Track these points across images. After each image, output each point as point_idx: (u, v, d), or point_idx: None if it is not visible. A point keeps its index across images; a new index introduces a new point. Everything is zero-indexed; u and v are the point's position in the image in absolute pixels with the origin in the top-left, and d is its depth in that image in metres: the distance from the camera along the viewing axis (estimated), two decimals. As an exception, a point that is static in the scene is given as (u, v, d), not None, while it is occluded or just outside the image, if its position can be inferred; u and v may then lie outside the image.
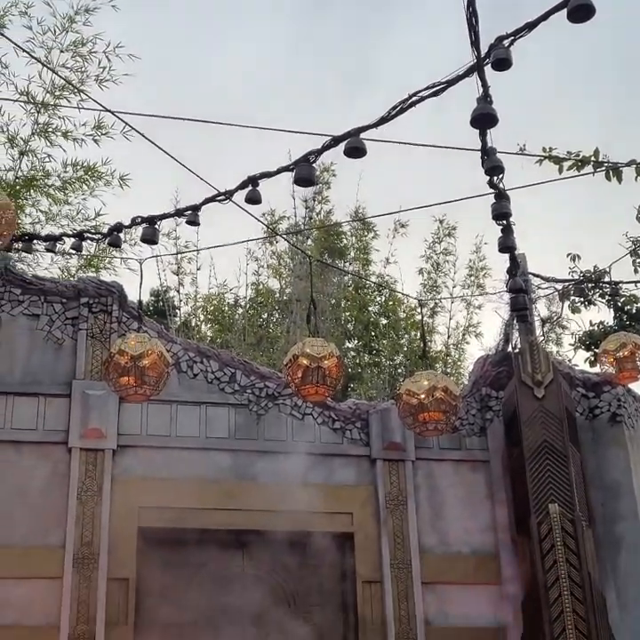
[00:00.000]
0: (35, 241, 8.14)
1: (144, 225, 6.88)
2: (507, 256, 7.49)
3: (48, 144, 12.10)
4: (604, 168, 7.57)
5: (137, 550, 8.76)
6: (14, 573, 8.34)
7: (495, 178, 5.79)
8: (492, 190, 5.92)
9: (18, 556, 8.39)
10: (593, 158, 7.76)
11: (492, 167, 5.64)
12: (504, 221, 6.08)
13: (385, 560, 9.20)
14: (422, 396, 7.61)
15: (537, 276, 10.34)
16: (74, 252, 7.85)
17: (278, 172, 6.08)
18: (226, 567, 9.24)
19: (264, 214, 16.75)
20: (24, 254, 9.95)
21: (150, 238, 6.89)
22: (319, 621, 9.26)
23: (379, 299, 18.74)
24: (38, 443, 8.84)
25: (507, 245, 6.21)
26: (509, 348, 10.39)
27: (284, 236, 15.79)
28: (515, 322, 10.12)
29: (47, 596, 8.35)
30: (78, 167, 12.41)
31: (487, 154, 5.61)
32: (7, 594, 8.29)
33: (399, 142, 6.46)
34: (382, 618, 9.01)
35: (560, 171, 7.99)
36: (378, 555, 9.24)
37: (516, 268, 7.32)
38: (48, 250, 7.90)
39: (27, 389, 9.01)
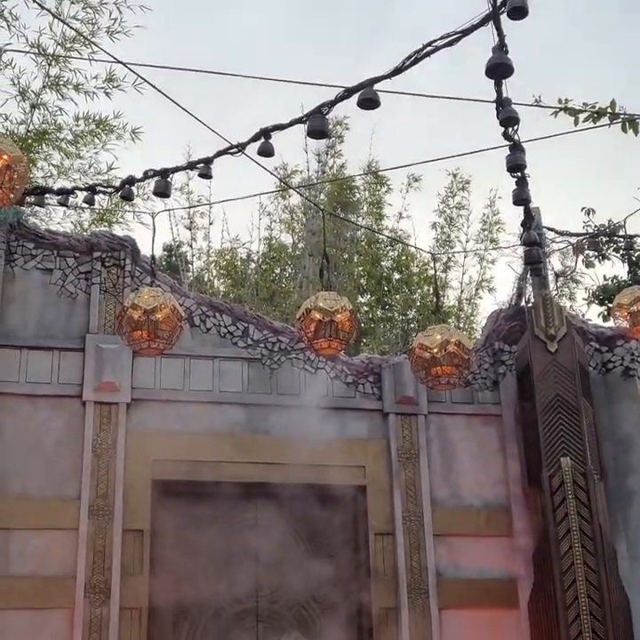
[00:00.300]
0: (47, 195, 8.12)
1: (156, 178, 6.85)
2: (521, 210, 7.41)
3: (59, 97, 12.03)
4: (620, 120, 7.48)
5: (151, 502, 8.85)
6: (31, 524, 8.45)
7: (510, 129, 5.73)
8: (507, 142, 5.86)
9: (34, 508, 8.49)
10: (609, 110, 7.66)
11: (507, 118, 5.57)
12: (519, 173, 6.02)
13: (397, 512, 9.27)
14: (435, 350, 7.60)
15: (551, 229, 10.29)
16: (86, 205, 7.82)
17: (291, 124, 6.03)
18: (239, 519, 9.32)
19: (276, 168, 16.66)
20: (37, 208, 9.94)
21: (163, 191, 6.85)
22: (331, 573, 9.35)
23: (392, 253, 18.69)
24: (53, 396, 8.90)
25: (521, 198, 6.15)
26: (523, 303, 10.38)
27: (297, 189, 15.71)
28: (528, 276, 10.09)
29: (63, 546, 8.47)
30: (90, 120, 12.34)
31: (502, 104, 5.54)
32: (24, 544, 8.41)
33: (413, 94, 6.40)
34: (394, 569, 9.10)
35: (576, 123, 7.90)
36: (390, 507, 9.31)
37: (531, 220, 7.25)
38: (60, 203, 7.88)
39: (41, 343, 9.05)
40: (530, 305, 9.90)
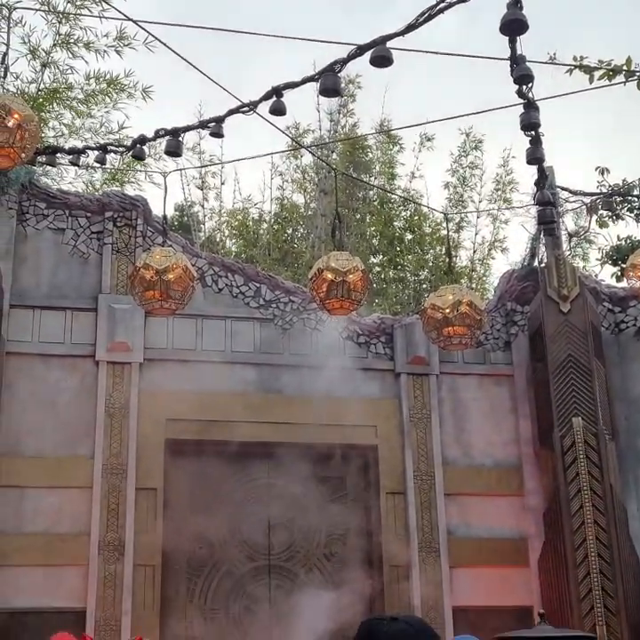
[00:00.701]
0: (58, 154, 8.08)
1: (168, 137, 6.81)
2: (534, 169, 7.36)
3: (70, 56, 11.95)
4: (636, 77, 7.39)
5: (164, 461, 8.91)
6: (45, 483, 8.52)
7: (524, 87, 5.66)
8: (521, 100, 5.80)
9: (48, 467, 8.56)
10: (625, 67, 7.57)
11: (522, 76, 5.51)
12: (532, 132, 5.96)
13: (408, 472, 9.32)
14: (447, 311, 7.58)
15: (565, 189, 10.21)
16: (98, 165, 7.80)
17: (303, 82, 5.97)
18: (251, 478, 9.38)
19: (288, 127, 16.56)
20: (48, 168, 9.89)
21: (174, 150, 6.82)
22: (343, 532, 9.43)
23: (404, 213, 18.58)
24: (66, 356, 8.94)
25: (535, 157, 6.09)
26: (535, 263, 10.33)
27: (309, 149, 15.61)
28: (541, 236, 10.03)
29: (77, 504, 8.55)
30: (101, 79, 12.26)
31: (516, 62, 5.48)
32: (39, 502, 8.49)
33: (426, 51, 6.33)
34: (405, 528, 9.17)
35: (591, 80, 7.81)
36: (401, 467, 9.36)
37: (544, 180, 7.19)
38: (72, 163, 7.85)
39: (53, 303, 9.07)
40: (543, 265, 9.86)
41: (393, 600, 8.87)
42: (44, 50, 11.93)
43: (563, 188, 10.15)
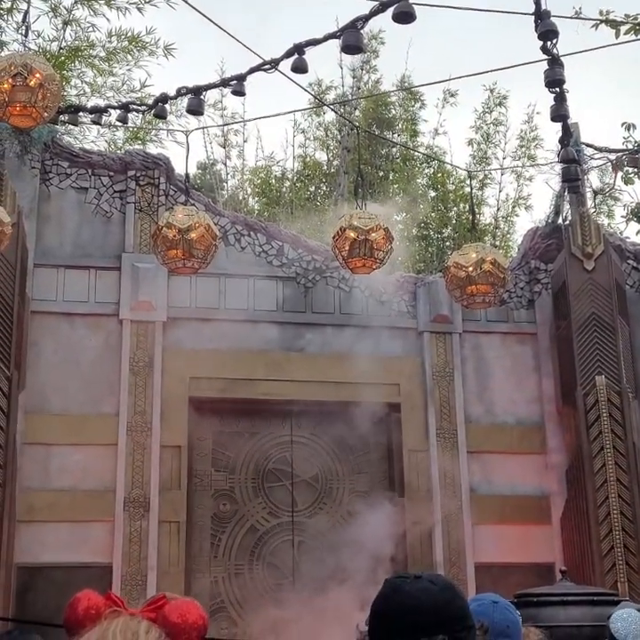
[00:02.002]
0: (80, 113, 8.07)
1: (189, 96, 6.78)
2: (559, 126, 7.27)
3: (91, 13, 11.90)
4: (663, 32, 7.27)
5: (188, 419, 8.98)
6: (71, 440, 8.62)
7: (549, 43, 5.58)
8: (546, 56, 5.72)
9: (74, 424, 8.65)
10: (652, 22, 7.45)
11: (546, 31, 5.43)
12: (557, 89, 5.88)
13: (431, 430, 9.35)
14: (470, 269, 7.53)
15: (590, 145, 10.09)
16: (120, 123, 7.79)
17: (325, 39, 5.91)
18: (275, 436, 9.45)
19: (311, 85, 16.42)
20: (70, 127, 9.89)
21: (196, 109, 6.79)
22: (366, 488, 9.49)
23: (427, 171, 18.46)
24: (90, 315, 9.00)
25: (559, 114, 6.02)
26: (560, 220, 10.25)
27: (332, 106, 15.50)
28: (566, 193, 9.94)
29: (103, 461, 8.64)
30: (122, 37, 12.21)
31: (541, 17, 5.40)
32: (65, 460, 8.59)
33: (449, 6, 6.25)
34: (428, 485, 9.21)
35: (617, 35, 7.69)
36: (424, 424, 9.38)
37: (569, 137, 7.10)
38: (94, 122, 7.84)
39: (77, 262, 9.11)
40: (567, 223, 9.79)
41: (415, 557, 8.94)
42: (65, 7, 11.90)
43: (588, 145, 10.03)
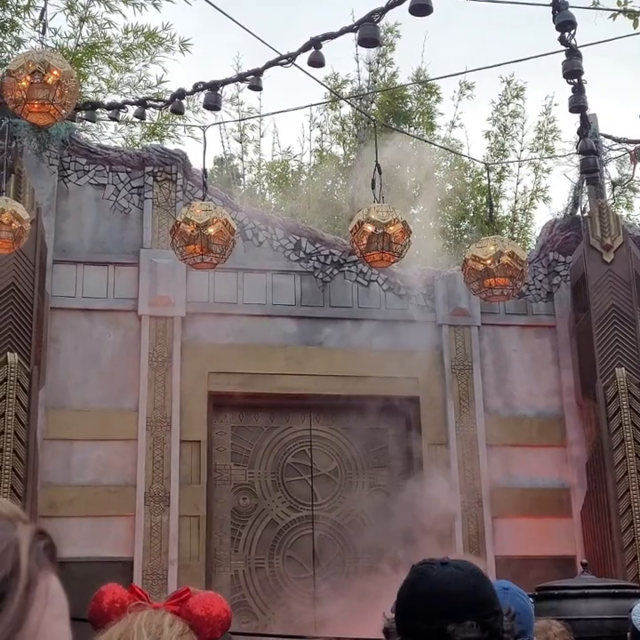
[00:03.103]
0: (98, 109, 8.10)
1: (206, 91, 6.78)
2: (577, 117, 7.23)
3: (108, 10, 11.92)
4: (682, 21, 7.20)
5: (207, 413, 9.01)
6: (91, 435, 8.66)
7: (567, 34, 5.55)
8: (564, 47, 5.69)
9: (94, 420, 8.69)
10: (670, 11, 7.38)
11: (564, 22, 5.41)
12: (575, 80, 5.85)
13: (450, 423, 9.34)
14: (488, 262, 7.50)
15: (608, 136, 10.03)
16: (137, 119, 7.80)
17: (341, 32, 5.90)
18: (293, 430, 9.46)
19: (327, 78, 16.38)
20: (88, 123, 9.93)
21: (213, 104, 6.80)
22: (385, 482, 9.50)
23: (444, 163, 18.40)
24: (109, 310, 9.03)
25: (577, 105, 5.99)
26: (578, 212, 10.20)
27: (348, 100, 15.47)
28: (584, 185, 9.90)
29: (123, 456, 8.68)
30: (139, 33, 12.23)
31: (558, 8, 5.37)
32: (85, 455, 8.63)
33: (466, -1, 6.23)
34: (448, 479, 9.20)
35: (635, 25, 7.63)
36: (443, 418, 9.37)
37: (587, 128, 7.07)
38: (111, 118, 7.88)
39: (96, 258, 9.14)
40: (585, 214, 9.74)
41: (436, 550, 8.92)
42: (81, 4, 11.92)
43: (606, 136, 9.97)
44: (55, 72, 5.66)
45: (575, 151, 8.29)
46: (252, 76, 6.53)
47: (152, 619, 1.65)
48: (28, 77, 5.65)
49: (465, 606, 1.95)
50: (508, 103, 17.31)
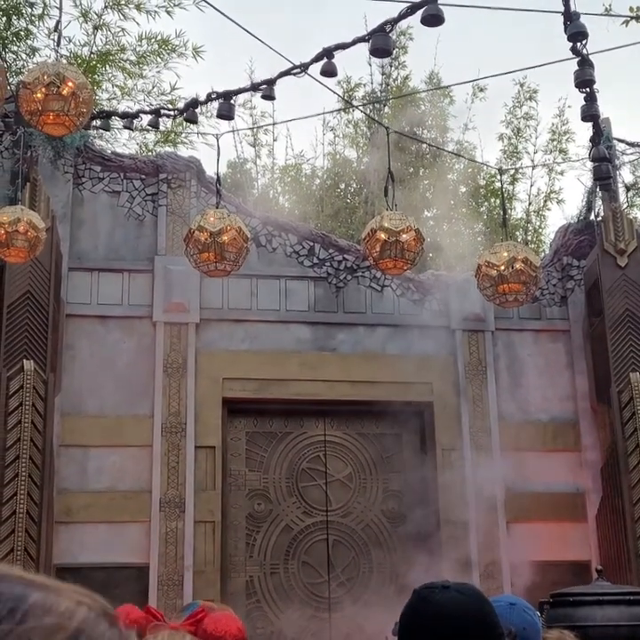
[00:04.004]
0: (112, 117, 8.14)
1: (220, 100, 6.81)
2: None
3: (121, 17, 11.99)
4: (694, 27, 7.20)
5: (222, 419, 9.04)
6: (107, 442, 8.71)
7: (578, 44, 5.55)
8: (575, 56, 5.69)
9: (110, 426, 8.74)
10: (683, 17, 7.37)
11: (576, 33, 5.41)
12: (587, 89, 5.86)
13: (464, 428, 9.34)
14: (502, 268, 7.50)
15: (621, 141, 10.02)
16: (151, 128, 7.84)
17: (354, 43, 5.92)
18: (307, 435, 9.49)
19: (340, 82, 16.41)
20: (102, 131, 9.97)
21: (226, 113, 6.82)
22: (399, 488, 9.51)
23: (457, 166, 18.39)
24: (124, 317, 9.08)
25: (590, 114, 5.99)
26: (592, 216, 10.19)
27: (361, 107, 15.50)
28: (598, 189, 9.89)
29: (138, 462, 8.73)
30: (152, 40, 12.29)
31: (570, 18, 5.37)
32: (101, 461, 8.68)
33: (479, 6, 6.24)
34: (462, 484, 9.20)
35: (647, 31, 7.63)
36: (457, 423, 9.38)
37: (600, 136, 7.06)
38: (126, 127, 7.91)
39: (111, 265, 9.19)
40: (599, 219, 9.73)
41: (450, 556, 8.94)
42: (95, 12, 11.99)
43: (619, 140, 9.96)
44: (70, 83, 5.70)
45: (588, 158, 8.28)
46: (265, 86, 6.56)
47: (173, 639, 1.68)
48: (44, 89, 5.69)
49: (467, 630, 1.97)
50: (521, 105, 17.30)
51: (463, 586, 2.09)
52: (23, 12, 11.71)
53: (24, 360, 8.08)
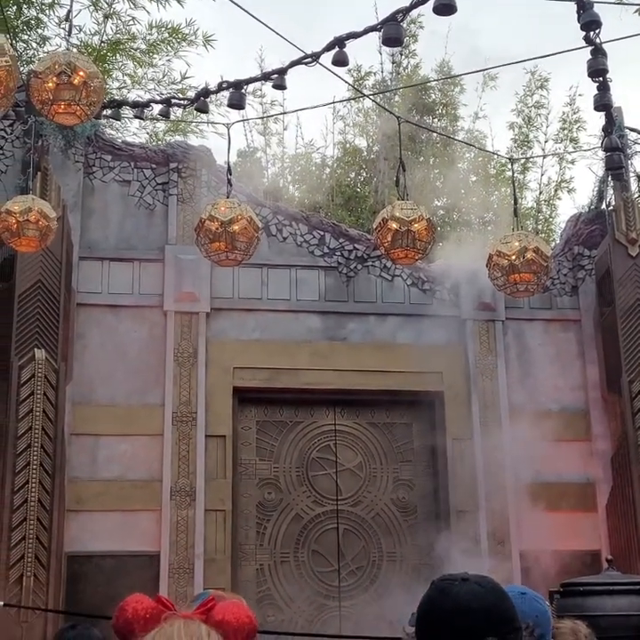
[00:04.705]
0: (123, 107, 8.12)
1: (230, 90, 6.79)
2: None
3: (132, 6, 11.97)
4: None
5: (233, 408, 9.06)
6: (118, 431, 8.74)
7: (591, 33, 5.52)
8: (588, 45, 5.66)
9: (121, 415, 8.77)
10: (696, 5, 7.34)
11: (589, 22, 5.38)
12: (600, 78, 5.83)
13: (474, 418, 9.34)
14: (513, 257, 7.48)
15: (634, 130, 9.97)
16: (161, 118, 7.83)
17: (365, 32, 5.89)
18: (318, 425, 9.50)
19: (350, 70, 16.35)
20: (112, 120, 9.96)
21: (237, 103, 6.80)
22: (409, 477, 9.52)
23: (468, 155, 18.33)
24: (135, 306, 9.09)
25: (602, 103, 5.95)
26: (603, 206, 10.16)
27: (372, 95, 15.45)
28: (609, 178, 9.85)
29: (149, 451, 8.75)
30: (163, 29, 12.27)
31: (583, 7, 5.34)
32: (112, 450, 8.71)
33: (490, -5, 6.20)
34: (472, 473, 9.21)
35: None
36: (467, 412, 9.38)
37: (612, 125, 7.02)
38: (136, 116, 7.89)
39: (121, 255, 9.20)
40: (610, 208, 9.70)
41: (460, 545, 8.94)
42: (105, 1, 11.97)
43: (632, 129, 9.92)
44: (81, 73, 5.69)
45: (600, 146, 8.25)
46: (276, 75, 6.54)
47: (190, 628, 1.69)
48: (55, 79, 5.68)
49: (486, 623, 1.97)
50: (532, 94, 17.23)
51: (482, 578, 2.09)
52: (34, 1, 11.70)
53: (35, 349, 8.11)
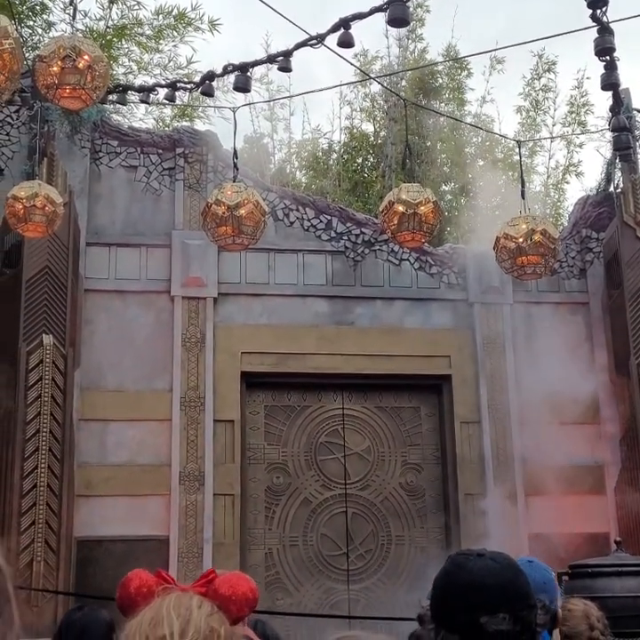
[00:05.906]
0: (128, 92, 8.10)
1: (236, 73, 6.76)
2: (610, 92, 7.14)
3: (137, -9, 11.93)
4: None
5: (241, 393, 9.07)
6: (126, 416, 8.76)
7: (599, 11, 5.48)
8: (595, 24, 5.62)
9: (129, 400, 8.79)
10: None
11: (595, 0, 5.34)
12: (607, 57, 5.78)
13: (482, 401, 9.34)
14: (520, 240, 7.45)
15: (641, 111, 9.92)
16: (167, 102, 7.81)
17: (371, 12, 5.85)
18: (326, 409, 9.51)
19: (356, 55, 16.29)
20: (119, 106, 9.95)
21: (243, 86, 6.77)
22: (417, 461, 9.52)
23: (475, 139, 18.27)
24: (142, 292, 9.10)
25: (610, 82, 5.91)
26: (611, 188, 10.12)
27: (378, 78, 15.38)
28: (617, 160, 9.81)
29: (158, 436, 8.78)
30: (168, 14, 12.22)
31: (590, -15, 5.30)
32: (120, 435, 8.73)
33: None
34: (480, 457, 9.21)
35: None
36: (475, 396, 9.37)
37: (620, 105, 6.97)
38: (142, 101, 7.87)
39: (128, 240, 9.20)
40: (618, 190, 9.66)
41: (468, 528, 8.97)
42: (110, -14, 11.93)
43: (639, 110, 9.87)
44: (86, 57, 5.67)
45: (607, 127, 8.21)
46: (281, 58, 6.51)
47: (180, 601, 1.68)
48: (60, 63, 5.67)
49: (499, 599, 1.98)
50: (540, 78, 17.15)
51: (498, 555, 2.09)
52: (39, -14, 11.68)
53: (43, 335, 8.12)
